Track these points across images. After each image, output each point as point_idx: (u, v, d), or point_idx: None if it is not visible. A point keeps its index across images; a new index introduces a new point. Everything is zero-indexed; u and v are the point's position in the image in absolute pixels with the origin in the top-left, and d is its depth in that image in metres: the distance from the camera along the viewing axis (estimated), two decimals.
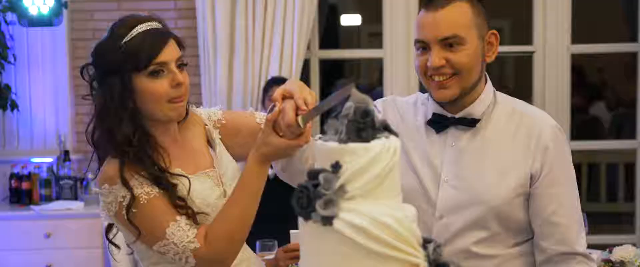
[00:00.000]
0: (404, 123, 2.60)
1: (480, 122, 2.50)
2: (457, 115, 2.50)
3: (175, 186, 2.28)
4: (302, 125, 2.10)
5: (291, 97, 2.12)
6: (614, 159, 8.19)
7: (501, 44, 2.56)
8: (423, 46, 2.45)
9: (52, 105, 5.60)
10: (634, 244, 3.09)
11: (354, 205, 1.48)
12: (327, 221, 1.47)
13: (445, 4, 2.40)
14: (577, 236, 2.49)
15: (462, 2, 2.42)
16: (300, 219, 1.52)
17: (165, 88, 2.27)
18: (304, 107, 2.09)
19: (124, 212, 2.25)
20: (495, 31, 2.51)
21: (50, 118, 5.61)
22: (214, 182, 2.39)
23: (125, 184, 2.24)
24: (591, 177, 8.48)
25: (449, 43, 2.39)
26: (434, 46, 2.40)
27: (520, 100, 2.61)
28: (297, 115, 2.10)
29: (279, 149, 2.17)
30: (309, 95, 2.13)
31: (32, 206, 5.22)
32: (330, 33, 7.99)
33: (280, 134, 2.16)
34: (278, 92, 2.16)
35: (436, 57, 2.40)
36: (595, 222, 7.50)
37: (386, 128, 1.57)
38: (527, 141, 2.47)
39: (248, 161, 2.25)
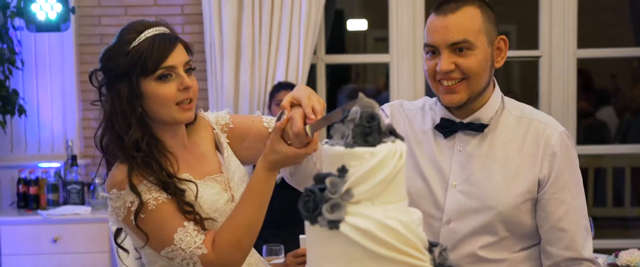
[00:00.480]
0: (412, 127, 2.61)
1: (488, 127, 2.51)
2: (465, 120, 2.51)
3: (183, 191, 2.29)
4: (310, 134, 2.11)
5: (299, 104, 2.13)
6: (621, 164, 8.18)
7: (508, 48, 2.57)
8: (432, 50, 2.45)
9: (60, 111, 5.62)
10: None
11: (360, 209, 1.49)
12: (334, 224, 1.48)
13: (456, 9, 2.41)
14: (584, 241, 2.50)
15: (472, 7, 2.43)
16: (307, 223, 1.53)
17: (173, 91, 2.28)
18: (312, 117, 2.10)
19: (132, 217, 2.26)
20: (504, 37, 2.51)
21: (58, 123, 5.63)
22: (222, 187, 2.40)
23: (134, 189, 2.25)
24: (598, 181, 8.47)
25: (459, 48, 2.40)
26: (444, 51, 2.41)
27: (528, 106, 2.61)
28: (305, 124, 2.11)
29: (287, 157, 2.19)
30: (317, 103, 2.14)
31: (39, 211, 5.23)
32: (337, 38, 8.01)
33: (289, 142, 2.17)
34: (286, 99, 2.17)
35: (445, 62, 2.40)
36: (602, 226, 7.51)
37: (392, 132, 1.58)
38: (534, 146, 2.48)
39: (256, 167, 2.26)
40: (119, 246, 2.49)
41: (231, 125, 2.55)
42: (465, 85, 2.43)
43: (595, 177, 8.43)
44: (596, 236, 2.96)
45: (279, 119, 2.19)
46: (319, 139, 2.19)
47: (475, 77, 2.43)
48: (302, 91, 2.18)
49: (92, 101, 2.42)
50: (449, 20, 2.40)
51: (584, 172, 7.80)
